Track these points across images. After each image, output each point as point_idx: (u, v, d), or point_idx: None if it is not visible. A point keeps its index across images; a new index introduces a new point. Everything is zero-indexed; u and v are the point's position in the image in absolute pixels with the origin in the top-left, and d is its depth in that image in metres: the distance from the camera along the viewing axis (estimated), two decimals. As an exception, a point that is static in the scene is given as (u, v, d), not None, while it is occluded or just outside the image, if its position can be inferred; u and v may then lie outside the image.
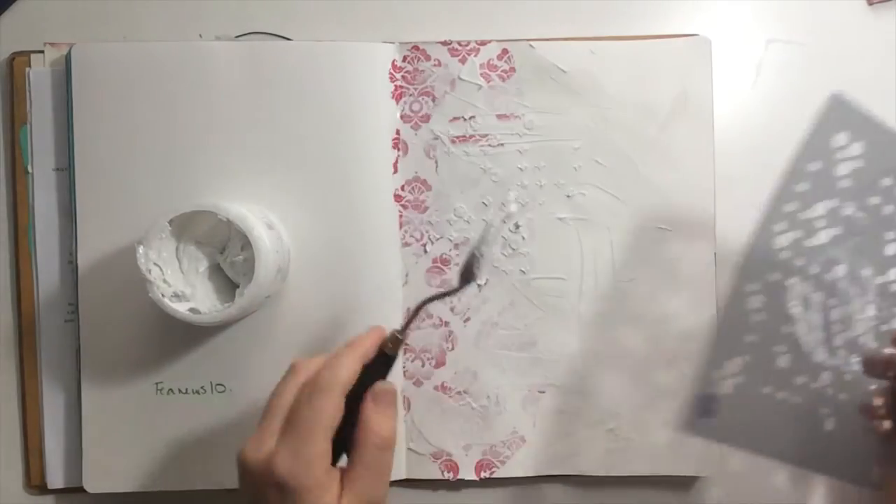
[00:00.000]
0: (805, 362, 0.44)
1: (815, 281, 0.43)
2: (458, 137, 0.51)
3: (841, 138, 0.42)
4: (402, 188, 0.51)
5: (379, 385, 0.42)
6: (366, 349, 0.42)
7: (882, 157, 0.42)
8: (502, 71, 0.51)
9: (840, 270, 0.43)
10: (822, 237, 0.43)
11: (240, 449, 0.39)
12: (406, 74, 0.51)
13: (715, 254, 0.52)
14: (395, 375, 0.51)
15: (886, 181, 0.42)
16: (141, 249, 0.44)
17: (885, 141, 0.42)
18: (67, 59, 0.50)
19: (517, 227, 0.51)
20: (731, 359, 0.44)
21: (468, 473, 0.51)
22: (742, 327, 0.43)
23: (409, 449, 0.51)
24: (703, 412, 0.43)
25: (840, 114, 0.42)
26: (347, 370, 0.40)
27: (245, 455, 0.39)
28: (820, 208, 0.43)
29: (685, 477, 0.52)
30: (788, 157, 0.43)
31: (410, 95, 0.51)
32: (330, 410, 0.39)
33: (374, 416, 0.41)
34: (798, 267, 0.43)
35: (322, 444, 0.38)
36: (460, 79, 0.51)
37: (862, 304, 0.44)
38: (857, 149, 0.42)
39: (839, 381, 0.44)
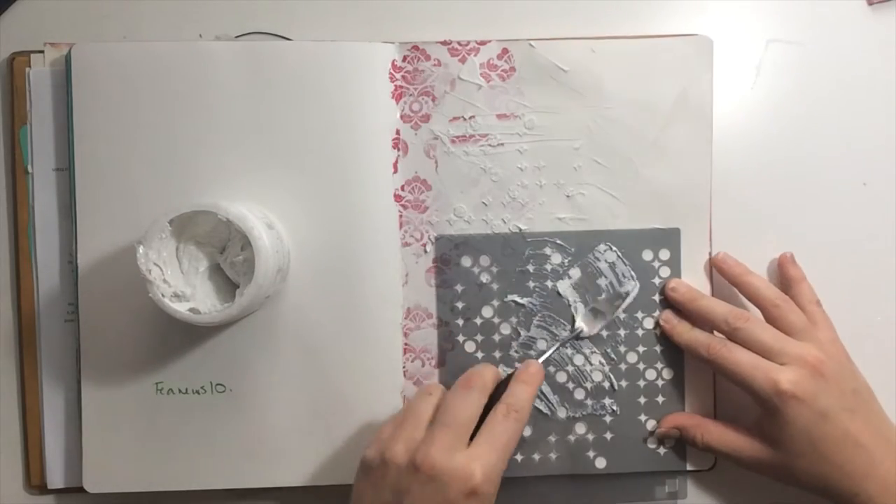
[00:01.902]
0: (551, 422, 0.51)
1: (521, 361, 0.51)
2: (458, 137, 0.51)
3: (466, 260, 0.51)
4: (402, 188, 0.51)
5: (529, 362, 0.48)
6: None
7: (511, 255, 0.51)
8: (502, 70, 0.51)
9: (541, 345, 0.51)
10: (505, 328, 0.51)
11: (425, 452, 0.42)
12: (406, 74, 0.51)
13: (709, 253, 0.52)
14: (395, 375, 0.51)
15: (530, 266, 0.51)
16: (141, 249, 0.44)
17: (501, 244, 0.51)
18: (67, 59, 0.50)
19: (520, 228, 0.51)
20: None
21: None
22: None
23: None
24: None
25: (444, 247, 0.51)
26: (492, 379, 0.46)
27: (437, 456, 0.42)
28: (485, 312, 0.51)
29: (684, 472, 0.53)
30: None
31: (410, 95, 0.51)
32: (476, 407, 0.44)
33: (511, 386, 0.46)
34: (496, 359, 0.51)
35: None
36: (460, 78, 0.51)
37: (585, 357, 0.52)
38: (486, 260, 0.51)
39: (598, 424, 0.51)
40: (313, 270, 0.50)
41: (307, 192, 0.50)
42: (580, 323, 0.51)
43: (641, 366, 0.51)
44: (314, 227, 0.50)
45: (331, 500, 0.51)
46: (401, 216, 0.51)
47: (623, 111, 0.51)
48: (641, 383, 0.52)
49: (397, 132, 0.51)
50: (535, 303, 0.51)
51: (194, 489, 0.51)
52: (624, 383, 0.51)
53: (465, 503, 0.41)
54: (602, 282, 0.51)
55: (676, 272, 0.51)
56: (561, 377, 0.51)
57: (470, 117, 0.51)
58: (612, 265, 0.51)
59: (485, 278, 0.51)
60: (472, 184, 0.51)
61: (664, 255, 0.51)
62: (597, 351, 0.51)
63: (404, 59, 0.51)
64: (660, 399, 0.52)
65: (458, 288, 0.51)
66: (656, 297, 0.51)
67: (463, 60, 0.51)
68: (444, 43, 0.51)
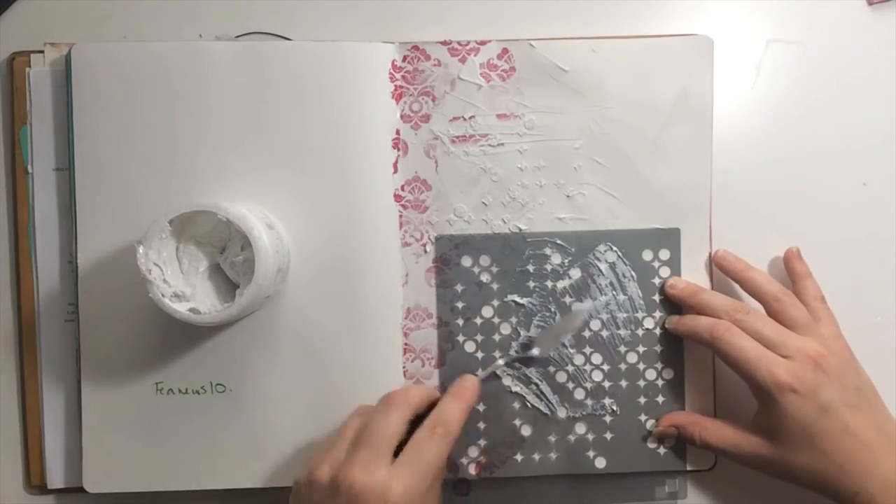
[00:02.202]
0: (551, 422, 0.51)
1: (520, 361, 0.51)
2: (458, 137, 0.51)
3: (466, 260, 0.51)
4: (402, 188, 0.51)
5: (465, 376, 0.48)
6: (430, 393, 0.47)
7: (511, 255, 0.51)
8: (502, 70, 0.51)
9: (536, 350, 0.51)
10: (505, 328, 0.51)
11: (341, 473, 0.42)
12: (406, 74, 0.51)
13: (710, 254, 0.52)
14: (395, 375, 0.51)
15: (530, 266, 0.51)
16: (141, 249, 0.44)
17: (501, 244, 0.51)
18: (67, 59, 0.50)
19: (520, 228, 0.51)
20: (470, 445, 0.51)
21: (468, 473, 0.51)
22: (473, 417, 0.51)
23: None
24: (459, 493, 0.52)
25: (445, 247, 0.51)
26: (417, 397, 0.46)
27: (355, 477, 0.41)
28: (485, 312, 0.51)
29: (684, 472, 0.53)
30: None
31: (410, 95, 0.51)
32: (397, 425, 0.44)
33: (441, 401, 0.45)
34: (496, 358, 0.51)
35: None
36: (460, 78, 0.51)
37: (586, 357, 0.51)
38: (486, 260, 0.51)
39: (598, 424, 0.51)
40: (313, 270, 0.50)
41: (307, 192, 0.50)
42: (533, 343, 0.51)
43: (641, 366, 0.51)
44: (314, 227, 0.50)
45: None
46: (401, 216, 0.51)
47: (623, 111, 0.51)
48: (641, 383, 0.52)
49: (397, 132, 0.51)
50: (534, 303, 0.51)
51: (194, 489, 0.51)
52: (624, 383, 0.51)
53: None
54: (602, 281, 0.51)
55: (676, 272, 0.51)
56: (561, 377, 0.51)
57: (470, 117, 0.51)
58: (612, 265, 0.51)
59: (485, 278, 0.51)
60: (472, 184, 0.51)
61: (664, 254, 0.51)
62: (597, 351, 0.51)
63: (404, 59, 0.51)
64: (660, 399, 0.52)
65: (458, 288, 0.51)
66: (656, 297, 0.51)
67: (463, 60, 0.51)
68: (444, 43, 0.51)
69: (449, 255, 0.51)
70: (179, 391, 0.50)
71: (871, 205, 0.53)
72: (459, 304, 0.51)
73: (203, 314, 0.45)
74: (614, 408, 0.51)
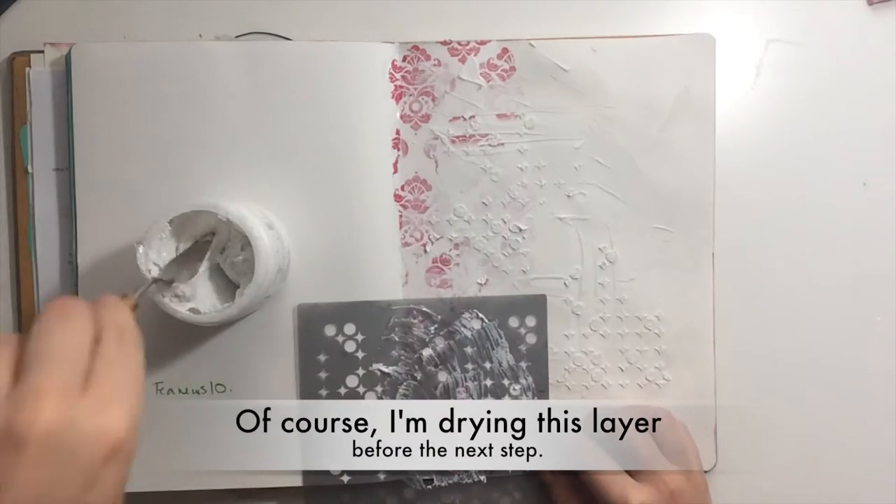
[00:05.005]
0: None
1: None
2: (458, 137, 0.51)
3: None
4: (402, 188, 0.51)
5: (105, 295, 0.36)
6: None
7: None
8: (502, 70, 0.51)
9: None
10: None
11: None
12: (406, 74, 0.51)
13: (713, 254, 0.52)
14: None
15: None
16: (141, 249, 0.44)
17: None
18: (67, 59, 0.50)
19: (519, 228, 0.51)
20: None
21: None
22: None
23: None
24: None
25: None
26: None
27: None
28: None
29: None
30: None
31: (410, 95, 0.51)
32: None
33: (100, 310, 0.34)
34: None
35: None
36: (460, 78, 0.51)
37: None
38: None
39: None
40: (313, 270, 0.50)
41: (307, 192, 0.50)
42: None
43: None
44: (314, 226, 0.50)
45: (331, 500, 0.51)
46: (401, 216, 0.51)
47: (624, 110, 0.51)
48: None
49: (397, 132, 0.51)
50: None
51: (195, 489, 0.51)
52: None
53: (106, 469, 0.31)
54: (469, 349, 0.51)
55: (543, 337, 0.51)
56: None
57: (470, 117, 0.51)
58: (478, 332, 0.51)
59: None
60: (472, 184, 0.51)
61: (530, 321, 0.51)
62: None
63: (404, 59, 0.51)
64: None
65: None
66: (523, 364, 0.51)
67: (463, 60, 0.51)
68: (444, 43, 0.51)
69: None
70: (179, 391, 0.50)
71: (871, 205, 0.53)
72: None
73: (203, 314, 0.45)
74: (481, 478, 0.51)
